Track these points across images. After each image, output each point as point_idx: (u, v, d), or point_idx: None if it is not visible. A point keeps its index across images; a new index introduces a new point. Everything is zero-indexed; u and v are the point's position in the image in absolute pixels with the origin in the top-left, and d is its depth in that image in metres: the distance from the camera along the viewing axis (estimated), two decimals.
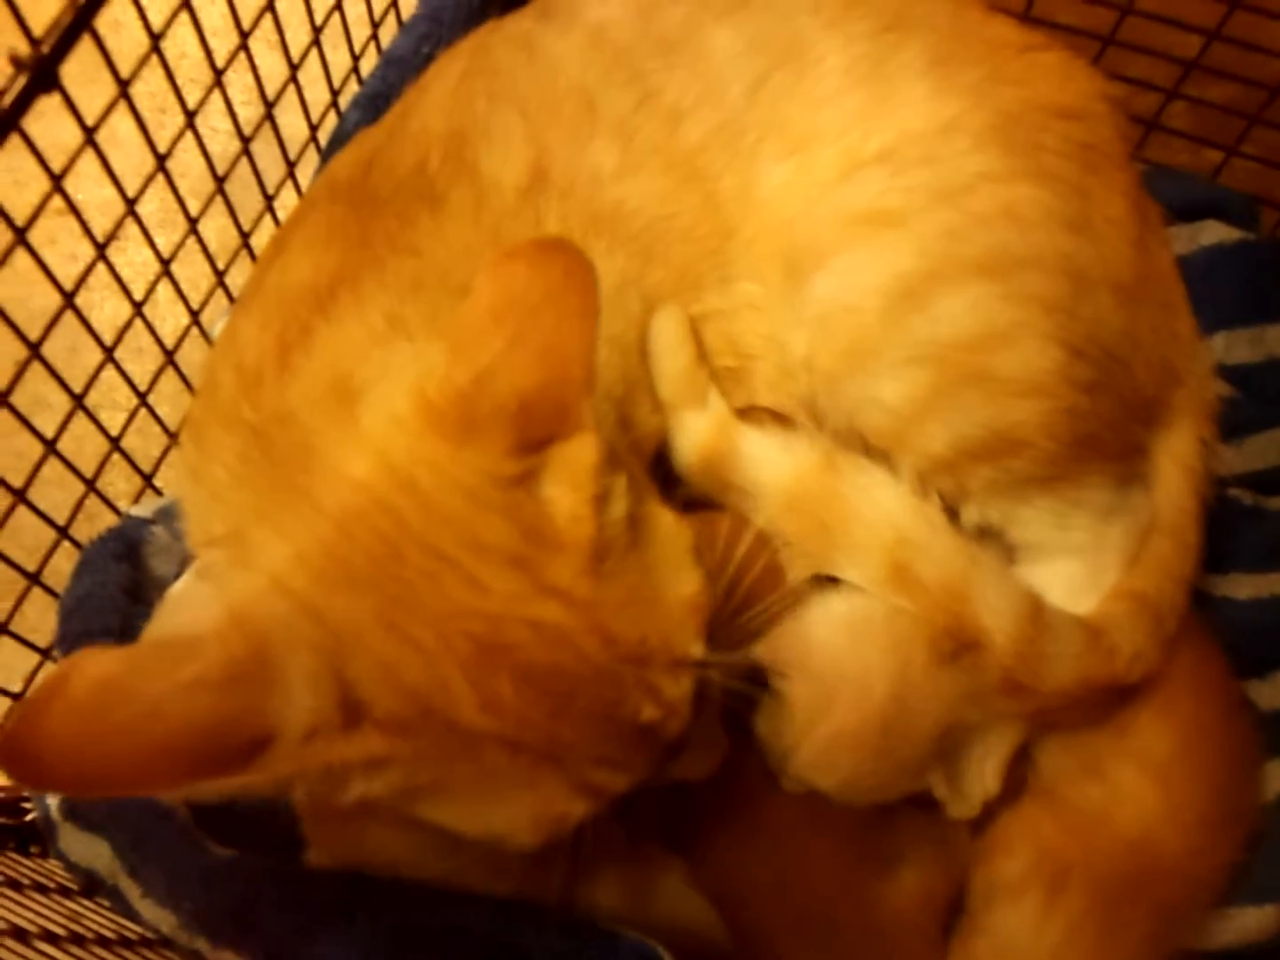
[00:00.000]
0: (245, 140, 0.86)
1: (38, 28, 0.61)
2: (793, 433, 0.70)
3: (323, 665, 0.42)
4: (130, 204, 0.77)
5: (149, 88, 0.74)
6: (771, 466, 0.69)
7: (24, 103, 0.61)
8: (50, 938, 0.64)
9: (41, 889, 0.70)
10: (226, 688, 0.41)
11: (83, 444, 0.82)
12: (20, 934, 0.62)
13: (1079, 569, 0.72)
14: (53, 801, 0.71)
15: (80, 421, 0.78)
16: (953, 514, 0.70)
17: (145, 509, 0.84)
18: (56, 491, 0.79)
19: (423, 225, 0.63)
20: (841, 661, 0.67)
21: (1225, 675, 0.76)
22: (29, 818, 0.75)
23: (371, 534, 0.44)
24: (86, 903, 0.71)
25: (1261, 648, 0.81)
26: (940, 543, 0.67)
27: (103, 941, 0.67)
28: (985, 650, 0.66)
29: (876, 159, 0.67)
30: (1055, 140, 0.68)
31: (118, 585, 0.75)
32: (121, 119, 0.71)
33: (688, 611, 0.47)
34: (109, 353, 0.80)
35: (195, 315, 0.88)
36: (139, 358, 0.87)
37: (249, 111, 0.86)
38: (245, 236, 0.90)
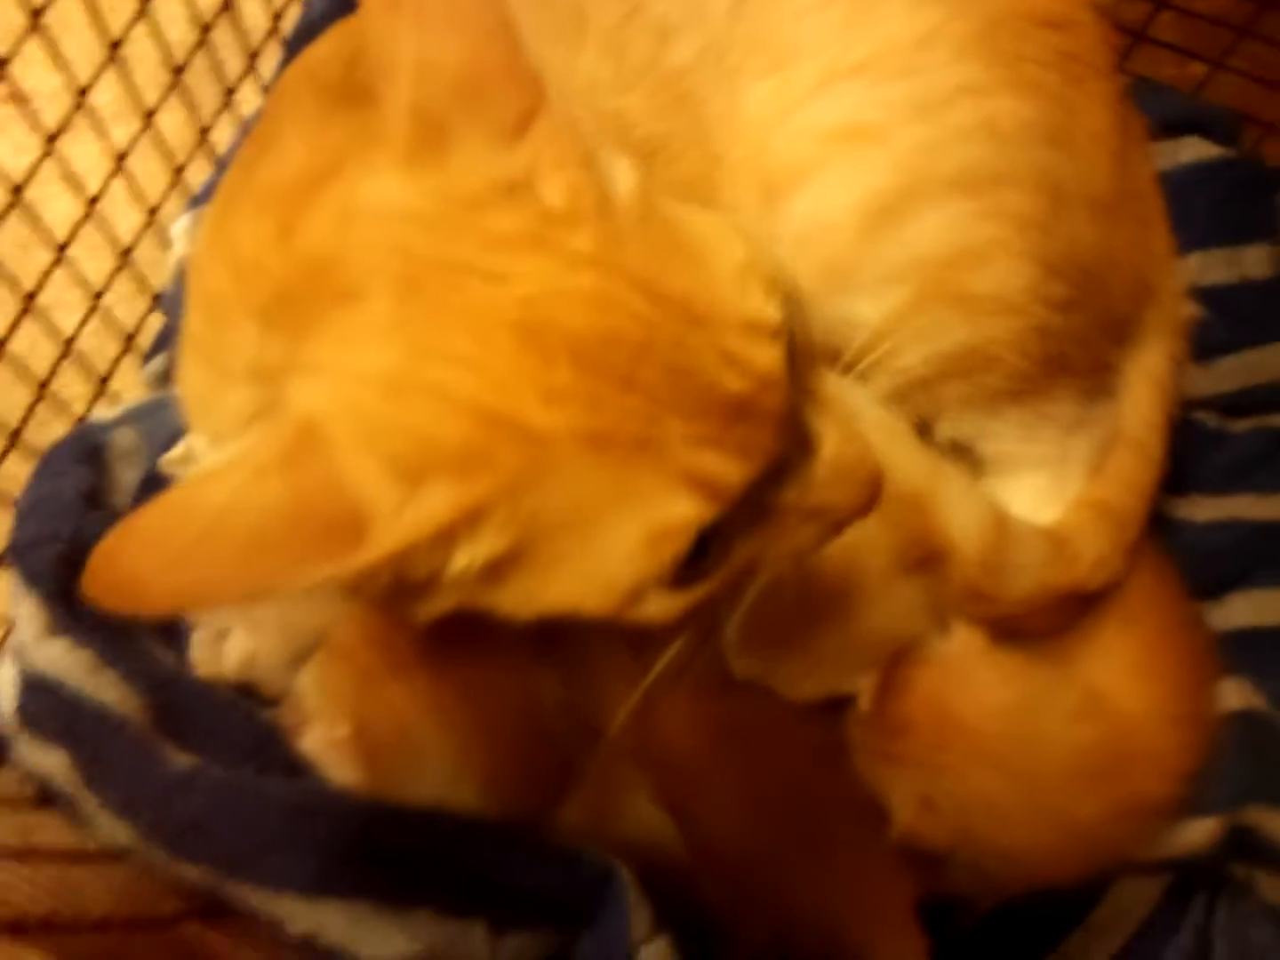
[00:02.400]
0: (204, 29, 0.83)
1: None
2: None
3: (373, 422, 0.40)
4: (81, 93, 0.74)
5: None
6: None
7: None
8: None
9: None
10: (287, 471, 0.39)
11: (36, 345, 0.80)
12: None
13: (1044, 481, 0.74)
14: (8, 710, 0.71)
15: (32, 323, 0.76)
16: (925, 429, 0.71)
17: (111, 411, 0.82)
18: (8, 394, 0.77)
19: None
20: None
21: (1182, 593, 0.78)
22: None
23: (387, 280, 0.42)
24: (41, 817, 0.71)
25: (1216, 570, 0.82)
26: (906, 455, 0.68)
27: (57, 857, 0.67)
28: (948, 561, 0.67)
29: (854, 71, 0.65)
30: (1038, 50, 0.67)
31: (75, 490, 0.74)
32: (72, 2, 0.68)
33: (739, 273, 0.44)
34: (61, 250, 0.77)
35: (152, 212, 0.85)
36: (94, 256, 0.84)
37: None
38: (204, 131, 0.87)
